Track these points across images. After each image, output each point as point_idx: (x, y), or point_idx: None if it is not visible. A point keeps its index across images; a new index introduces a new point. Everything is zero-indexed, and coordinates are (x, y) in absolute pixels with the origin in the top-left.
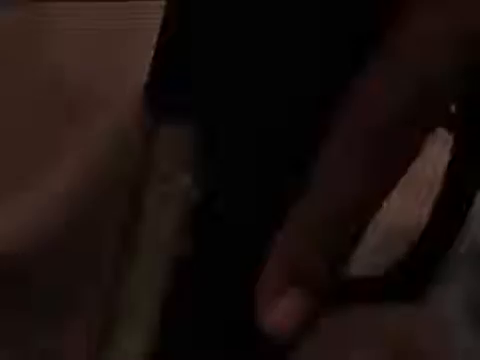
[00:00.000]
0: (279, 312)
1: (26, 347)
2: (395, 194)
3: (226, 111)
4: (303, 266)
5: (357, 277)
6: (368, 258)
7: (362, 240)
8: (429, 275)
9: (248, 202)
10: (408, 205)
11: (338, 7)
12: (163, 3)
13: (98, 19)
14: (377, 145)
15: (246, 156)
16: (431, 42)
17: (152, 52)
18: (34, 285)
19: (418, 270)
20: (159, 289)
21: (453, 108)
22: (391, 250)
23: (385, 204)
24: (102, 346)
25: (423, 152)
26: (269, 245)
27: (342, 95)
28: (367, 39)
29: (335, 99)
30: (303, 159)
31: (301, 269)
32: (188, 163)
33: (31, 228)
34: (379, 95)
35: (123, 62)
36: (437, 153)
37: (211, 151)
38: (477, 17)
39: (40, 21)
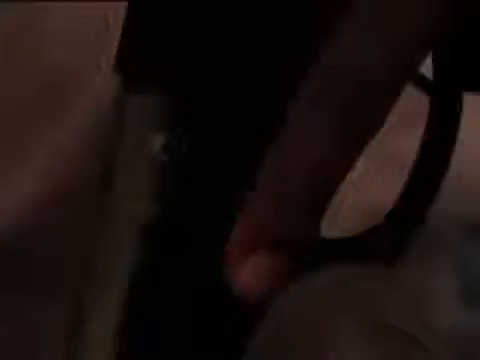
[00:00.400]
0: (247, 271)
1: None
2: (376, 174)
3: (195, 78)
4: (272, 229)
5: (330, 238)
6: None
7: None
8: (402, 244)
9: (217, 169)
10: (390, 186)
11: None
12: None
13: (95, 19)
14: (347, 104)
15: (214, 123)
16: (396, 5)
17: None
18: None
19: (391, 237)
20: (129, 257)
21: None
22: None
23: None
24: (76, 320)
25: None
26: (238, 209)
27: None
28: None
29: (301, 61)
30: (271, 125)
31: (270, 232)
32: (157, 129)
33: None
34: (344, 59)
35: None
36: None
37: (179, 119)
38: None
39: (38, 21)
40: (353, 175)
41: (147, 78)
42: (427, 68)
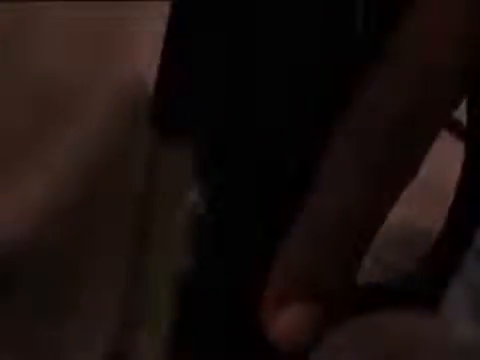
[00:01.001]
0: (284, 321)
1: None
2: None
3: (228, 127)
4: (308, 280)
5: (371, 285)
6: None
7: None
8: (447, 280)
9: (250, 221)
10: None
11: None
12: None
13: (91, 18)
14: (381, 147)
15: (247, 170)
16: (430, 43)
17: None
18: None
19: (436, 276)
20: (165, 309)
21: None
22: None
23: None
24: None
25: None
26: (273, 252)
27: (343, 98)
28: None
29: (336, 101)
30: (305, 166)
31: (306, 282)
32: (192, 180)
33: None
34: (380, 98)
35: (116, 63)
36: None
37: (212, 168)
38: (474, 19)
39: (32, 20)
40: None
41: (182, 131)
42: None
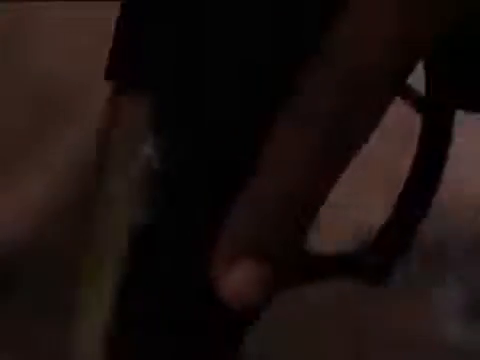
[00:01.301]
0: (234, 281)
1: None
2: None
3: (178, 82)
4: (257, 236)
5: (322, 253)
6: None
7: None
8: (393, 261)
9: (200, 173)
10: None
11: None
12: None
13: (91, 18)
14: (323, 134)
15: (197, 129)
16: (362, 45)
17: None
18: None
19: (385, 254)
20: (119, 259)
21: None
22: None
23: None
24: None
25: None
26: (223, 212)
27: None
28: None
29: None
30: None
31: (255, 242)
32: (147, 132)
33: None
34: (316, 96)
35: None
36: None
37: (163, 121)
38: (405, 22)
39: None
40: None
41: (138, 84)
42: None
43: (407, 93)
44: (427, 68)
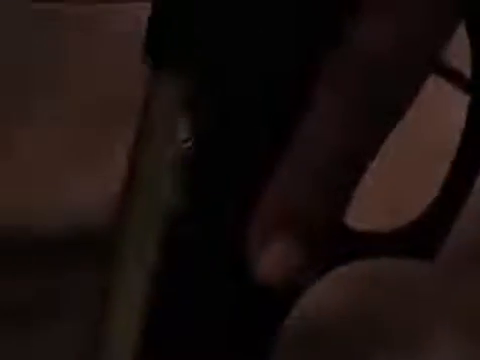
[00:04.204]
0: (272, 255)
1: None
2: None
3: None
4: (301, 206)
5: (363, 231)
6: None
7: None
8: (441, 236)
9: (235, 154)
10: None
11: None
12: None
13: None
14: (363, 94)
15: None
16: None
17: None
18: None
19: (434, 227)
20: (154, 245)
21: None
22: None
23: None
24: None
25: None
26: (258, 189)
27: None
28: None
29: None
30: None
31: (298, 210)
32: (181, 116)
33: None
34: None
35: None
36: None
37: (196, 104)
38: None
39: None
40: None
41: (173, 65)
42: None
43: (454, 75)
44: (473, 48)
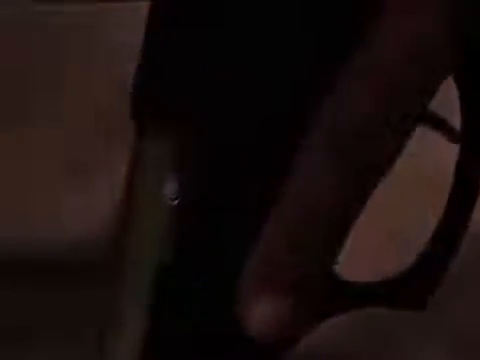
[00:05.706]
0: (261, 316)
1: None
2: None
3: (197, 124)
4: (285, 269)
5: (358, 283)
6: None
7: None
8: (436, 282)
9: (225, 206)
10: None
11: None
12: None
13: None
14: (352, 147)
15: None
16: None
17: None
18: None
19: (427, 277)
20: (145, 299)
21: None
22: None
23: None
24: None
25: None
26: (248, 246)
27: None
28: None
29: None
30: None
31: (283, 274)
32: (170, 170)
33: None
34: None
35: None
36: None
37: (185, 158)
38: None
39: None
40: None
41: (161, 123)
42: None
43: (442, 125)
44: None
